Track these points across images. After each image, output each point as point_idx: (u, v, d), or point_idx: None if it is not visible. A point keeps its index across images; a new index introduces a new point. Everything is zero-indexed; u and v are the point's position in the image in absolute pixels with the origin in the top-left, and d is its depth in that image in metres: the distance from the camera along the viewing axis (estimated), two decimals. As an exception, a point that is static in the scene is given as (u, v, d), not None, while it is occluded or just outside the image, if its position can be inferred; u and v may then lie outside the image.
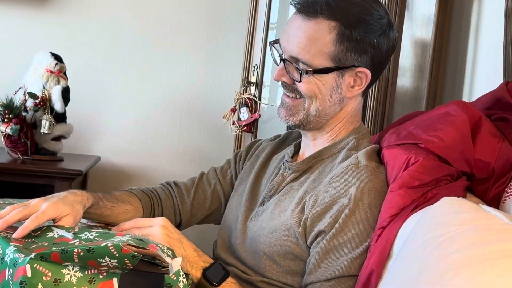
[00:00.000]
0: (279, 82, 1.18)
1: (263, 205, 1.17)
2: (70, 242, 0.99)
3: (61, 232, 1.02)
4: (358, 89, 1.11)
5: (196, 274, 1.04)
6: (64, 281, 0.94)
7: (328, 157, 1.13)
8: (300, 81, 1.09)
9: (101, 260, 0.92)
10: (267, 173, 1.23)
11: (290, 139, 1.27)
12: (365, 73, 1.10)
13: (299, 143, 1.21)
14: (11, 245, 0.95)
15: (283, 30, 1.18)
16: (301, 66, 1.09)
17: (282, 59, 1.13)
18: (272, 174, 1.21)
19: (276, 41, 1.17)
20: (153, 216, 1.26)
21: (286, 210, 1.10)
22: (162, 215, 1.23)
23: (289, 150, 1.20)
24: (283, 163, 1.19)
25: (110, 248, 0.89)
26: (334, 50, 1.09)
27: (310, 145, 1.17)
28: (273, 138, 1.33)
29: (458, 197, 1.05)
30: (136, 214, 1.21)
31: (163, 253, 0.94)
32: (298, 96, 1.12)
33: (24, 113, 1.86)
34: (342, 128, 1.16)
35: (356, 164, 1.06)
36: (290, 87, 1.13)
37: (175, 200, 1.28)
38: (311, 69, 1.08)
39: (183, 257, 1.00)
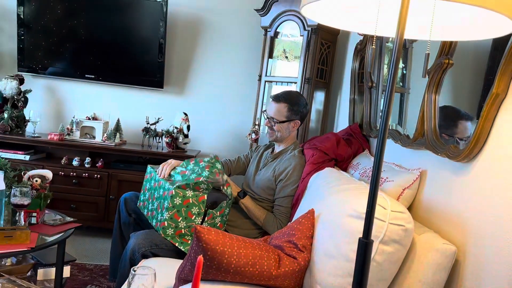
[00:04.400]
0: (266, 126, 2.39)
1: (260, 170, 2.36)
2: (186, 174, 2.05)
3: (179, 169, 2.13)
4: (294, 128, 2.36)
5: (234, 193, 2.21)
6: (186, 195, 1.99)
7: (283, 153, 2.35)
8: (274, 126, 2.32)
9: (200, 186, 2.02)
10: (262, 158, 2.42)
11: (270, 146, 2.49)
12: (298, 122, 2.35)
13: (273, 148, 2.44)
14: (166, 182, 2.06)
15: (267, 106, 2.42)
16: (275, 120, 2.31)
17: (267, 117, 2.35)
18: (264, 159, 2.41)
19: (265, 111, 2.40)
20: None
21: (268, 172, 2.29)
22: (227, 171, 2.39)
23: (270, 150, 2.43)
24: (268, 155, 2.40)
25: (203, 180, 2.00)
26: (287, 114, 2.31)
27: (277, 147, 2.40)
28: (265, 145, 2.53)
29: (332, 167, 2.12)
30: None
31: (222, 176, 2.05)
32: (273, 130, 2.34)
33: (173, 134, 3.30)
34: (289, 142, 2.38)
35: (294, 154, 2.30)
36: (271, 128, 2.33)
37: (229, 165, 2.46)
38: (278, 121, 2.32)
39: (231, 185, 2.16)
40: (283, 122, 2.31)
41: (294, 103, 2.31)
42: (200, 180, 1.99)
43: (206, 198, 2.02)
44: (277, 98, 2.32)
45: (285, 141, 2.40)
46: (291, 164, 2.26)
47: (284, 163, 2.28)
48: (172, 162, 2.20)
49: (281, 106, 2.31)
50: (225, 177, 2.11)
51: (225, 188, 2.10)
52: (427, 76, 1.60)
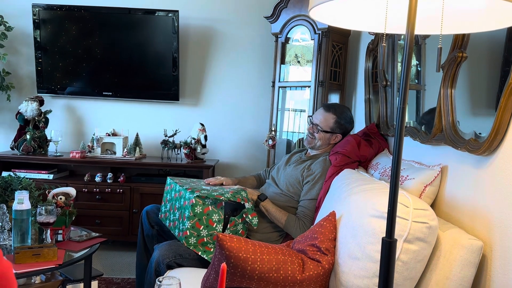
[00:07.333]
0: (308, 131, 2.41)
1: (289, 165, 2.37)
2: (208, 188, 2.10)
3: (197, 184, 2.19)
4: (334, 141, 2.38)
5: (254, 197, 2.22)
6: (206, 203, 1.99)
7: (317, 158, 2.36)
8: (316, 133, 2.34)
9: (220, 202, 2.03)
10: (293, 157, 2.45)
11: (303, 150, 2.52)
12: (340, 136, 2.37)
13: (306, 152, 2.45)
14: (186, 191, 2.09)
15: (315, 113, 2.43)
16: (319, 127, 2.34)
17: (312, 123, 2.38)
18: (295, 157, 2.43)
19: (310, 116, 2.43)
20: (259, 184, 2.52)
21: (298, 169, 2.29)
22: (260, 183, 2.48)
23: (303, 153, 2.44)
24: (302, 155, 2.42)
25: (223, 199, 2.00)
26: (332, 126, 2.35)
27: (311, 151, 2.42)
28: (298, 149, 2.57)
29: (354, 169, 2.11)
30: (254, 183, 2.49)
31: (242, 197, 2.06)
32: (313, 137, 2.36)
33: (191, 145, 3.34)
34: (324, 150, 2.39)
35: (325, 159, 2.29)
36: (312, 134, 2.36)
37: (262, 176, 2.53)
38: (322, 130, 2.34)
39: (249, 191, 2.21)
40: (326, 132, 2.35)
41: (342, 117, 2.36)
42: (221, 198, 2.01)
43: (224, 204, 2.04)
44: (328, 108, 2.37)
45: (321, 149, 2.45)
46: (320, 167, 2.28)
47: (315, 165, 2.31)
48: (221, 179, 2.35)
49: (329, 116, 2.35)
50: (248, 204, 2.11)
51: (246, 204, 2.10)
52: (441, 70, 1.59)
